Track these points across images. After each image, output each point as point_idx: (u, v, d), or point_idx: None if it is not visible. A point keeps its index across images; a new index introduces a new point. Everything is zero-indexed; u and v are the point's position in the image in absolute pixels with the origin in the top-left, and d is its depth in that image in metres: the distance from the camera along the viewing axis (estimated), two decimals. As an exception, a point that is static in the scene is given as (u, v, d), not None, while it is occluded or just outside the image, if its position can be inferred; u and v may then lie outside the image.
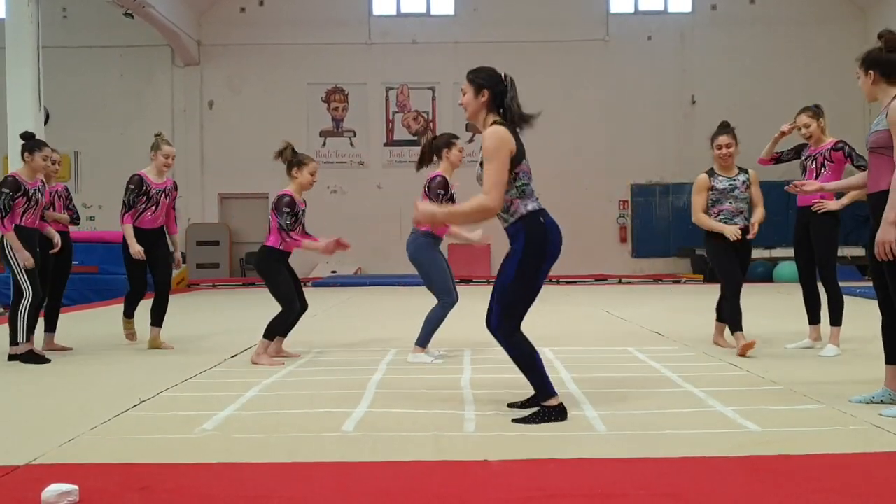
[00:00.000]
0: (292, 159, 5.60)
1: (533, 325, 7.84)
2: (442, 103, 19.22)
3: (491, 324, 3.63)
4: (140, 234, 6.12)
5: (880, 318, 3.84)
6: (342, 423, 3.57)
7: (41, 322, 6.34)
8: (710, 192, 5.78)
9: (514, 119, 3.65)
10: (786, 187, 4.85)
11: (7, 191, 5.59)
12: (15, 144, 5.97)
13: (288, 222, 5.50)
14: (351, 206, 18.94)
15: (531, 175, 3.68)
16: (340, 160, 19.56)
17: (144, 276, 6.29)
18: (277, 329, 5.52)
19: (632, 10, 19.62)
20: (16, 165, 5.95)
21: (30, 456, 3.04)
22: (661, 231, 19.60)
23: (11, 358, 5.63)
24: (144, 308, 6.43)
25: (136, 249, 6.01)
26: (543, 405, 3.61)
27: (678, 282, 17.80)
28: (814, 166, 5.71)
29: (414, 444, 3.19)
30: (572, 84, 19.23)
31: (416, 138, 19.36)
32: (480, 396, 4.18)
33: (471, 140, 17.29)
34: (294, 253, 5.69)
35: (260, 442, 3.25)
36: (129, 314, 6.44)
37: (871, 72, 3.79)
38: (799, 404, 3.88)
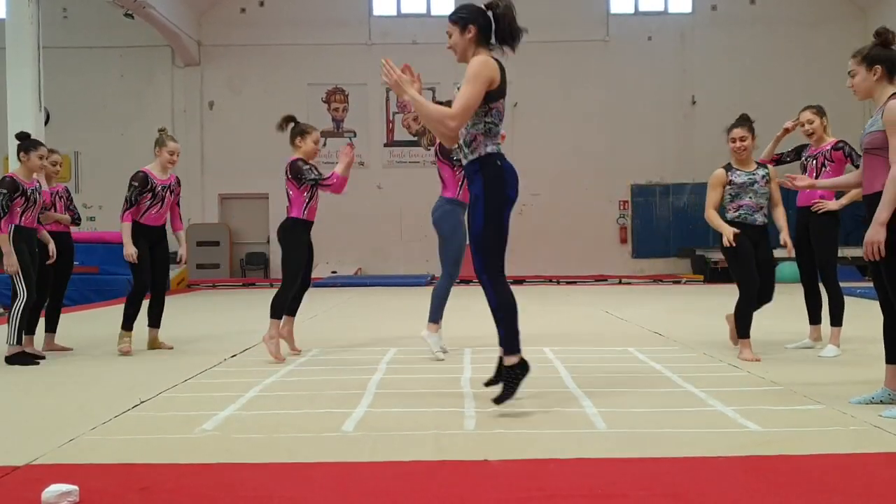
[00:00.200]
0: (294, 129, 5.69)
1: (533, 326, 7.87)
2: (442, 104, 19.21)
3: (477, 269, 3.67)
4: (145, 230, 6.06)
5: (882, 319, 3.83)
6: (342, 423, 3.57)
7: (41, 322, 6.35)
8: (729, 187, 5.51)
9: (505, 35, 3.64)
10: (778, 179, 4.84)
11: (5, 191, 5.58)
12: (15, 145, 5.97)
13: (314, 174, 5.61)
14: (351, 207, 18.91)
15: (503, 117, 3.69)
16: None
17: (149, 273, 6.14)
18: (280, 306, 5.58)
19: (632, 10, 19.63)
20: (16, 166, 5.95)
21: (30, 456, 3.04)
22: (662, 231, 19.60)
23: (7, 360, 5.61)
24: (141, 310, 6.41)
25: (130, 252, 5.90)
26: (506, 366, 3.64)
27: (678, 282, 17.81)
28: (814, 166, 5.70)
29: (414, 443, 3.19)
30: (572, 84, 19.24)
31: (416, 139, 19.37)
32: (481, 395, 4.17)
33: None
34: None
35: (260, 442, 3.25)
36: (129, 326, 6.06)
37: (876, 67, 3.72)
38: (799, 404, 3.88)
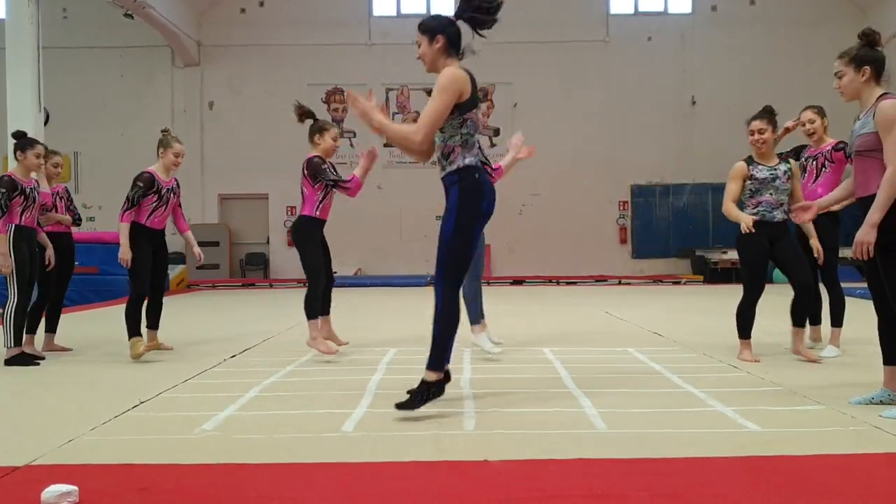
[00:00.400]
0: (313, 126, 5.69)
1: (533, 326, 7.87)
2: (442, 104, 19.20)
3: (435, 277, 3.68)
4: (148, 233, 5.86)
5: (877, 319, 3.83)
6: (342, 423, 3.57)
7: (42, 322, 6.35)
8: (749, 182, 5.28)
9: (478, 17, 3.61)
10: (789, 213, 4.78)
11: (3, 190, 5.56)
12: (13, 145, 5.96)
13: (332, 176, 5.60)
14: (351, 207, 18.89)
15: (479, 128, 3.68)
16: (340, 161, 19.47)
17: (149, 278, 5.90)
18: (313, 304, 5.57)
19: (632, 10, 19.62)
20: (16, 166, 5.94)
21: (29, 456, 3.04)
22: (661, 232, 19.60)
23: (7, 362, 5.60)
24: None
25: (127, 257, 5.67)
26: (424, 379, 3.63)
27: (678, 282, 17.81)
28: (814, 167, 5.70)
29: (414, 443, 3.19)
30: (572, 84, 19.23)
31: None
32: (480, 396, 4.18)
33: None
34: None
35: (260, 442, 3.25)
36: (137, 332, 5.78)
37: (865, 68, 3.71)
38: (799, 405, 3.88)
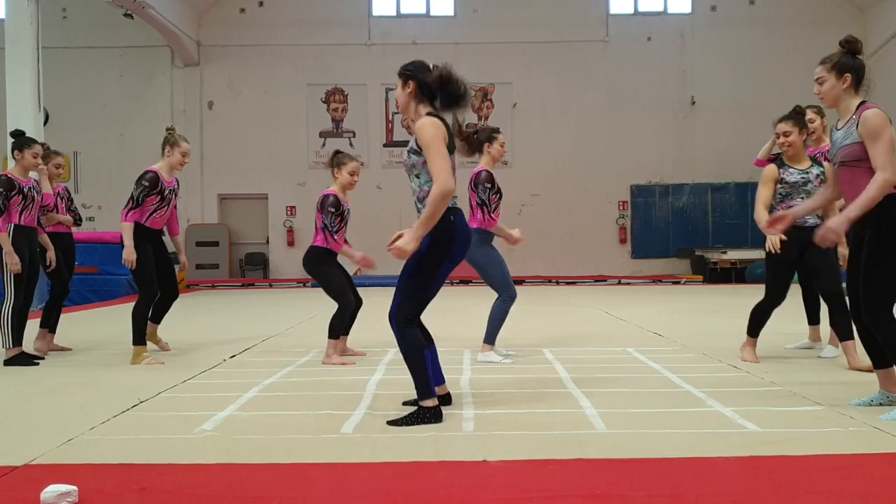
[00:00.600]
0: (333, 159, 5.68)
1: (532, 326, 7.87)
2: (442, 104, 19.21)
3: (391, 310, 3.67)
4: (149, 233, 5.70)
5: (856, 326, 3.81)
6: (341, 423, 3.57)
7: (41, 322, 6.34)
8: (780, 186, 5.10)
9: (449, 100, 3.62)
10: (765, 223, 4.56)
11: (1, 189, 5.54)
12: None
13: (333, 221, 5.58)
14: (350, 207, 18.94)
15: (455, 171, 3.66)
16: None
17: (156, 279, 5.69)
18: (338, 327, 5.55)
19: (631, 10, 19.62)
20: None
21: (29, 456, 3.04)
22: (661, 232, 19.59)
23: (6, 363, 5.60)
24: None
25: (132, 257, 5.48)
26: (420, 405, 3.61)
27: (678, 283, 17.81)
28: (813, 167, 5.69)
29: (413, 444, 3.19)
30: (572, 84, 19.23)
31: (415, 139, 19.34)
32: (479, 396, 4.18)
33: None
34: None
35: (259, 443, 3.25)
36: (143, 341, 5.62)
37: (846, 75, 3.69)
38: (798, 405, 3.88)
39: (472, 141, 5.52)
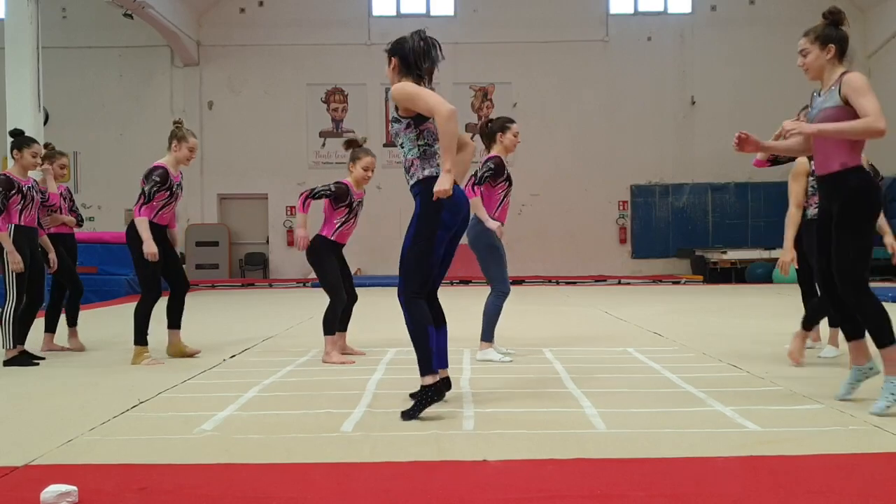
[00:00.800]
0: (351, 153, 5.69)
1: (532, 326, 7.86)
2: (441, 104, 19.23)
3: (398, 290, 3.72)
4: (156, 229, 5.57)
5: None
6: (341, 423, 3.57)
7: (39, 323, 6.34)
8: (812, 178, 4.90)
9: (420, 62, 3.65)
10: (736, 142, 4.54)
11: (0, 189, 5.55)
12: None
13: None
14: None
15: (437, 137, 3.67)
16: (340, 161, 19.54)
17: (160, 278, 5.63)
18: (332, 321, 5.54)
19: (631, 10, 19.63)
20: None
21: (29, 457, 3.04)
22: (661, 232, 19.60)
23: (6, 363, 5.59)
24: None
25: (153, 251, 5.39)
26: (422, 385, 3.65)
27: (678, 283, 17.81)
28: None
29: (413, 443, 3.19)
30: (572, 84, 19.24)
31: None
32: (480, 396, 4.17)
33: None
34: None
35: (259, 442, 3.25)
36: (144, 341, 5.57)
37: (830, 46, 3.70)
38: (799, 404, 3.88)
39: (486, 131, 5.57)
